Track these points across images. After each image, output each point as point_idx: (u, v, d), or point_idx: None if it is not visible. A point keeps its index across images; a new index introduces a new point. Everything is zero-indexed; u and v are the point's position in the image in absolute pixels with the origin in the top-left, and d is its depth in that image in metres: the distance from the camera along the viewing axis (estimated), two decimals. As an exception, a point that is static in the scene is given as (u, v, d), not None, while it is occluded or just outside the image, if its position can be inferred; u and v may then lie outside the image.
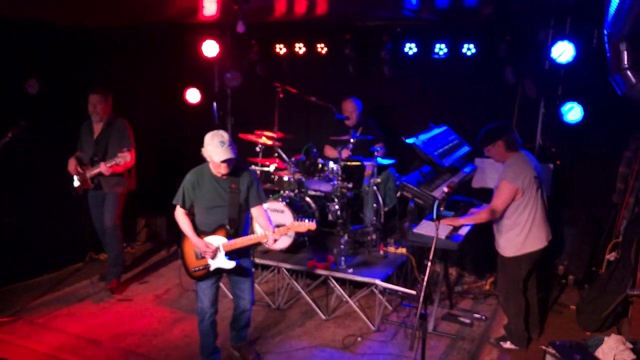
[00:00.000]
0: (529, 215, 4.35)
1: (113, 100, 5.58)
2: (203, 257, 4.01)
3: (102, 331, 4.91)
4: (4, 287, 5.73)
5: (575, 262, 5.42)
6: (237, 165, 3.99)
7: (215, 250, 3.96)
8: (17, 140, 4.75)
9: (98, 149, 5.47)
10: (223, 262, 3.99)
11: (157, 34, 6.86)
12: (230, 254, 3.99)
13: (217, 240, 3.97)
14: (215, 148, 3.73)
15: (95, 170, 5.38)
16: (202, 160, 3.98)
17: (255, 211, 4.06)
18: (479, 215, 4.52)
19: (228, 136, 3.80)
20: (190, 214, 4.08)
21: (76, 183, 5.57)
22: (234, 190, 3.92)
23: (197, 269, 4.05)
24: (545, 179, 4.50)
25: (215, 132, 3.80)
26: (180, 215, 4.05)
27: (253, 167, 5.97)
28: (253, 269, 4.31)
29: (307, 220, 3.90)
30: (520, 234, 4.37)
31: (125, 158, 5.12)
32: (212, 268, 4.01)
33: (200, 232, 4.01)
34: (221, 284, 4.46)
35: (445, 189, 3.86)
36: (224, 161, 3.75)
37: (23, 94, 5.67)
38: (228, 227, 3.95)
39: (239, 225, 4.00)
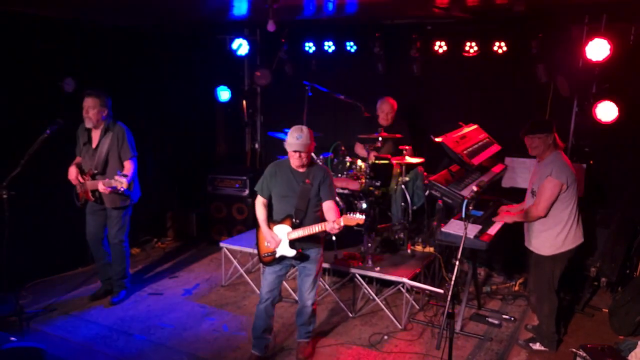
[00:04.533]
0: (571, 212, 4.32)
1: (115, 101, 5.22)
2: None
3: (134, 324, 5.03)
4: (40, 279, 5.92)
5: (608, 264, 5.30)
6: (315, 162, 4.38)
7: (279, 241, 4.19)
8: (56, 135, 4.88)
9: (98, 160, 5.10)
10: (286, 250, 4.23)
11: (189, 32, 6.98)
12: (294, 243, 4.21)
13: (283, 229, 4.22)
14: (292, 139, 4.05)
15: (95, 186, 5.05)
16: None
17: (325, 205, 4.24)
18: (526, 213, 4.42)
19: (307, 131, 4.07)
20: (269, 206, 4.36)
21: (78, 191, 5.26)
22: (306, 184, 4.17)
23: (266, 254, 4.33)
24: (578, 179, 4.41)
25: (297, 126, 4.09)
26: (258, 203, 4.36)
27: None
28: (317, 267, 4.37)
29: (358, 215, 4.03)
30: (562, 232, 4.31)
31: (121, 183, 4.81)
32: (277, 255, 4.26)
33: (273, 220, 4.30)
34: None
35: (475, 188, 3.83)
36: (295, 151, 4.06)
37: (60, 92, 5.83)
38: (294, 217, 4.18)
39: (306, 216, 4.20)
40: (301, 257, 4.27)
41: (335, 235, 5.44)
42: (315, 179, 4.19)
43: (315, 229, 4.12)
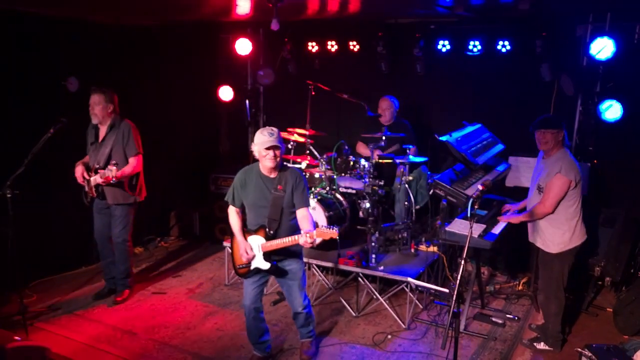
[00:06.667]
0: (577, 209, 4.32)
1: (119, 100, 5.24)
2: None
3: (138, 323, 5.04)
4: (44, 278, 5.93)
5: (612, 263, 5.29)
6: (286, 165, 4.09)
7: (252, 256, 4.02)
8: (59, 135, 4.89)
9: (102, 155, 5.12)
10: (260, 262, 4.05)
11: (192, 32, 6.98)
12: (269, 255, 4.03)
13: (257, 240, 4.03)
14: (264, 137, 3.83)
15: (96, 181, 5.04)
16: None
17: (299, 213, 4.02)
18: (532, 212, 4.40)
19: (278, 131, 3.91)
20: (243, 213, 4.18)
21: (86, 189, 5.28)
22: (278, 191, 3.95)
23: (240, 266, 4.15)
24: (582, 178, 4.40)
25: (266, 127, 3.92)
26: (231, 213, 4.15)
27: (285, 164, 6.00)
28: (303, 272, 4.25)
29: (332, 229, 3.83)
30: (569, 230, 4.31)
31: (112, 172, 4.80)
32: (252, 267, 4.09)
33: (247, 231, 4.09)
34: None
35: (480, 187, 3.81)
36: (268, 148, 3.81)
37: (63, 91, 5.83)
38: (267, 228, 3.99)
39: (280, 226, 4.00)
40: (276, 271, 4.09)
41: (339, 233, 5.48)
42: (287, 184, 3.95)
43: (288, 240, 3.90)
